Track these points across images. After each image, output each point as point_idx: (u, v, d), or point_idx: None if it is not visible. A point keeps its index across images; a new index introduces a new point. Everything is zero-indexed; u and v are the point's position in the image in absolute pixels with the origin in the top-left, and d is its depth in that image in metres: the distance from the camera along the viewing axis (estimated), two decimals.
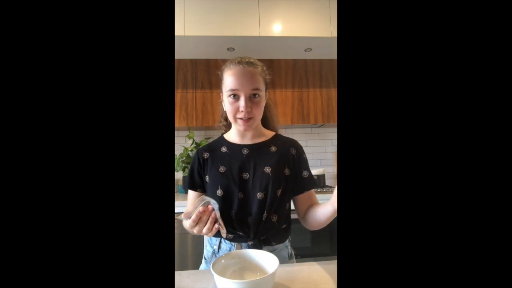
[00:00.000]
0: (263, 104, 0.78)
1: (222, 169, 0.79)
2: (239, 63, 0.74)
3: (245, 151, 0.81)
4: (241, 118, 0.74)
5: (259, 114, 0.77)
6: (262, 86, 0.75)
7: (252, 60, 0.76)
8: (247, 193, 0.77)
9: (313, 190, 0.82)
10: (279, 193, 0.77)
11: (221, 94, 0.81)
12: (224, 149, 0.83)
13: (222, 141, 0.85)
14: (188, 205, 0.82)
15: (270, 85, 2.08)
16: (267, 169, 0.77)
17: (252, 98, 0.74)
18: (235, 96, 0.74)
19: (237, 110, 0.74)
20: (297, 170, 0.81)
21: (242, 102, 0.73)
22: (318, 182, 2.03)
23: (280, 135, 0.88)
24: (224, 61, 0.79)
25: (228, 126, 0.89)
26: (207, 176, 0.81)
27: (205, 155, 0.83)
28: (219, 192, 0.77)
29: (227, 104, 0.76)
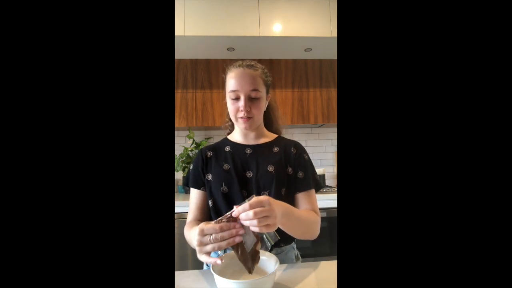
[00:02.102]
0: (263, 104, 0.81)
1: (226, 166, 0.81)
2: (239, 66, 0.79)
3: (248, 150, 0.83)
4: (241, 117, 0.78)
5: (258, 114, 0.80)
6: (261, 87, 0.79)
7: (252, 63, 0.80)
8: (251, 192, 0.78)
9: (309, 192, 0.80)
10: (284, 191, 0.77)
11: (225, 95, 0.84)
12: (227, 148, 0.85)
13: (225, 141, 0.88)
14: (191, 205, 0.82)
15: (270, 84, 2.10)
16: (271, 168, 0.79)
17: (251, 99, 0.77)
18: (236, 97, 0.77)
19: (237, 110, 0.78)
20: (295, 170, 0.81)
21: (241, 102, 0.77)
22: None
23: (283, 137, 0.90)
24: (227, 64, 0.83)
25: (232, 126, 0.92)
26: (209, 174, 0.82)
27: (209, 154, 0.85)
28: (223, 188, 0.77)
29: (229, 104, 0.80)
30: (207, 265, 0.83)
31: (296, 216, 0.66)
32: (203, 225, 0.53)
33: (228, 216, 0.53)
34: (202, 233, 0.52)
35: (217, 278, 0.52)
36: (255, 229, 0.51)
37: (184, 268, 1.63)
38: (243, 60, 0.81)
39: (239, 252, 0.54)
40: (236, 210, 0.52)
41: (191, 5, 1.77)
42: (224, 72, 0.83)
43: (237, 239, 0.52)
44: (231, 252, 0.65)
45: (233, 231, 0.52)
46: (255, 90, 0.77)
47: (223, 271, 0.59)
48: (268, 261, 0.61)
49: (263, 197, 0.53)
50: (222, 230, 0.51)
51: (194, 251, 1.86)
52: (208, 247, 0.52)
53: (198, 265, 0.86)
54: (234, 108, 0.78)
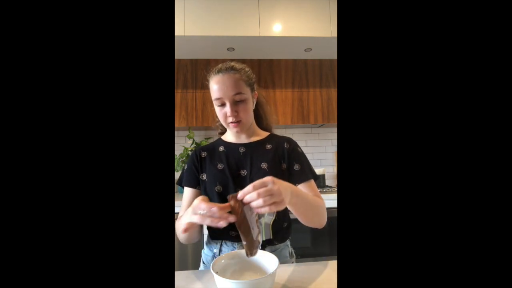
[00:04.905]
0: (250, 105, 0.81)
1: (220, 166, 0.82)
2: (219, 71, 0.78)
3: (241, 149, 0.84)
4: (231, 122, 0.79)
5: (246, 116, 0.80)
6: (245, 89, 0.78)
7: (232, 65, 0.79)
8: None
9: (309, 182, 0.81)
10: None
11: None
12: (221, 148, 0.86)
13: (219, 141, 0.90)
14: (183, 203, 0.82)
15: (270, 84, 2.10)
16: (264, 165, 0.80)
17: (237, 103, 0.78)
18: (221, 103, 0.78)
19: (225, 116, 0.79)
20: (290, 164, 0.82)
21: (228, 108, 0.77)
22: (318, 182, 2.03)
23: (275, 134, 0.91)
24: (207, 71, 0.83)
25: (223, 126, 0.91)
26: (204, 174, 0.82)
27: (203, 154, 0.86)
28: (218, 188, 0.78)
29: (216, 111, 0.81)
30: (203, 262, 0.84)
31: (305, 196, 0.67)
32: (206, 200, 0.55)
33: (234, 197, 0.53)
34: (204, 201, 0.54)
35: (217, 278, 0.52)
36: (264, 210, 0.51)
37: (184, 268, 1.63)
38: (223, 62, 0.81)
39: (247, 237, 0.54)
40: (240, 193, 0.52)
41: (191, 5, 1.77)
42: (206, 79, 0.82)
43: (220, 224, 0.52)
44: (231, 252, 0.65)
45: (220, 221, 0.52)
46: (239, 93, 0.77)
47: (223, 271, 0.59)
48: (268, 261, 0.61)
49: (266, 178, 0.53)
50: (213, 209, 0.52)
51: (194, 251, 1.85)
52: (195, 217, 0.54)
53: (198, 265, 0.86)
54: (222, 114, 0.79)
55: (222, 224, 0.52)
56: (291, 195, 0.57)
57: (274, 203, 0.51)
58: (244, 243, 0.55)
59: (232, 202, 0.53)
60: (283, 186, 0.55)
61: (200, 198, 0.55)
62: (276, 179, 0.54)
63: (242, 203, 0.52)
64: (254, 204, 0.50)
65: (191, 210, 0.55)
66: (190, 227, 0.55)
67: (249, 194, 0.50)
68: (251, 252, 0.55)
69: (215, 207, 0.52)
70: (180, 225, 0.70)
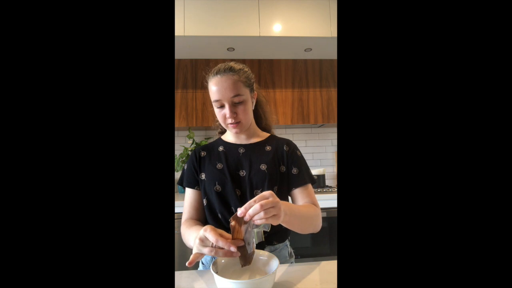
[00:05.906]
0: (249, 106, 0.81)
1: (219, 165, 0.82)
2: (217, 73, 0.78)
3: (241, 150, 0.85)
4: (230, 123, 0.79)
5: (245, 117, 0.80)
6: (243, 91, 0.78)
7: (230, 66, 0.78)
8: (245, 190, 0.79)
9: (306, 187, 0.81)
10: (276, 189, 0.78)
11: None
12: (221, 148, 0.87)
13: (219, 141, 0.90)
14: (185, 203, 0.83)
15: (270, 84, 2.11)
16: (263, 167, 0.80)
17: (235, 104, 0.78)
18: (220, 105, 0.78)
19: (224, 117, 0.79)
20: (289, 167, 0.83)
21: (226, 110, 0.77)
22: (318, 182, 2.04)
23: (275, 136, 0.91)
24: (206, 72, 0.83)
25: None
26: (203, 174, 0.83)
27: (203, 153, 0.86)
28: (217, 187, 0.79)
29: (216, 112, 0.81)
30: (202, 263, 0.84)
31: (297, 212, 0.67)
32: (213, 228, 0.55)
33: (235, 217, 0.54)
34: (212, 231, 0.54)
35: (217, 278, 0.52)
36: (262, 222, 0.52)
37: (184, 268, 1.63)
38: (223, 62, 0.80)
39: (242, 251, 0.55)
40: (241, 209, 0.52)
41: (191, 5, 1.77)
42: (205, 80, 0.82)
43: (235, 255, 0.54)
44: None
45: (232, 253, 0.53)
46: (237, 95, 0.76)
47: (223, 271, 0.59)
48: (268, 261, 0.61)
49: (266, 192, 0.54)
50: (223, 241, 0.52)
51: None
52: (206, 250, 0.54)
53: (198, 265, 0.86)
54: (221, 115, 0.79)
55: (236, 254, 0.53)
56: (284, 214, 0.58)
57: (273, 216, 0.52)
58: (239, 256, 0.56)
59: (233, 223, 0.54)
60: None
61: (208, 228, 0.55)
62: (274, 194, 0.55)
63: (242, 221, 0.53)
64: (256, 217, 0.51)
65: (198, 242, 0.55)
66: (196, 258, 0.56)
67: (252, 208, 0.51)
68: (244, 263, 0.56)
69: (225, 241, 0.52)
70: (186, 237, 0.72)
